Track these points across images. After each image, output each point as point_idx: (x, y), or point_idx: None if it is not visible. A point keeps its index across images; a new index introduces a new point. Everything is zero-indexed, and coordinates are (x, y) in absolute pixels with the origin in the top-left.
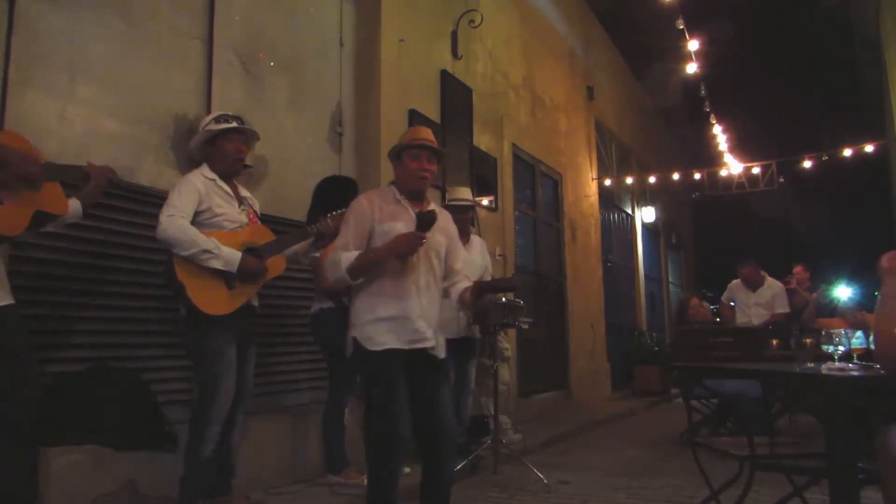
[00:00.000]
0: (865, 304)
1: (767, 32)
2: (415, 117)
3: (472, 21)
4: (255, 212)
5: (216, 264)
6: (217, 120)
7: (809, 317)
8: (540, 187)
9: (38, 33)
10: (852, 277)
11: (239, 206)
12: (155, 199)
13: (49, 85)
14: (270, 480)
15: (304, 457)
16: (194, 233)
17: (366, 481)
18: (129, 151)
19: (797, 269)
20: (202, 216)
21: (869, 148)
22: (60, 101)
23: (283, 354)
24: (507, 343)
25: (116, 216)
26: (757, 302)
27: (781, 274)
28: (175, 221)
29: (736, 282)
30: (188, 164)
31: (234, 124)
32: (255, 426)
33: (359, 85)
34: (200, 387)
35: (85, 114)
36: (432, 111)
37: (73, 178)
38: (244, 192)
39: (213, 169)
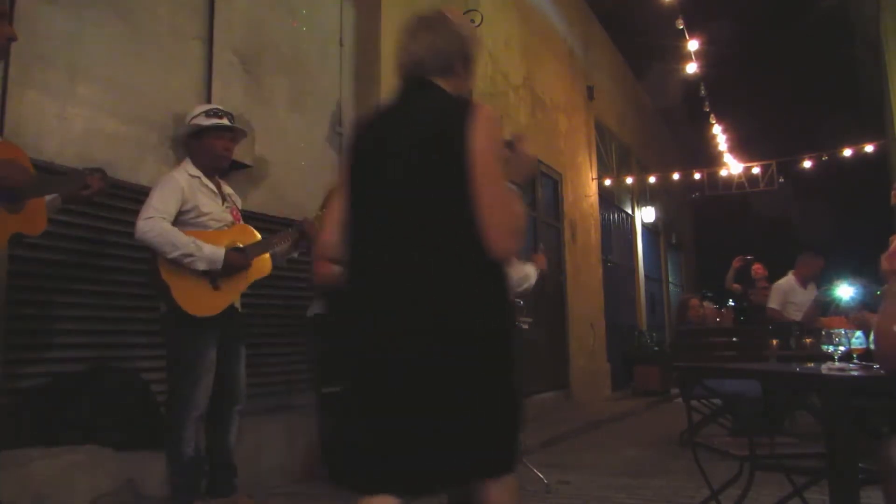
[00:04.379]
0: (868, 303)
1: (767, 32)
2: None
3: (472, 21)
4: (237, 208)
5: (200, 266)
6: (208, 114)
7: (810, 316)
8: (540, 187)
9: (38, 33)
10: (854, 276)
11: (223, 204)
12: None
13: (49, 85)
14: (271, 480)
15: (304, 456)
16: (175, 235)
17: None
18: (129, 151)
19: (756, 266)
20: (188, 215)
21: (869, 148)
22: (60, 101)
23: (282, 354)
24: None
25: (116, 216)
26: (810, 299)
27: (781, 273)
28: (154, 225)
29: (787, 281)
30: None
31: (225, 120)
32: (255, 426)
33: (359, 85)
34: (174, 386)
35: (85, 114)
36: None
37: (67, 188)
38: (227, 189)
39: (196, 163)
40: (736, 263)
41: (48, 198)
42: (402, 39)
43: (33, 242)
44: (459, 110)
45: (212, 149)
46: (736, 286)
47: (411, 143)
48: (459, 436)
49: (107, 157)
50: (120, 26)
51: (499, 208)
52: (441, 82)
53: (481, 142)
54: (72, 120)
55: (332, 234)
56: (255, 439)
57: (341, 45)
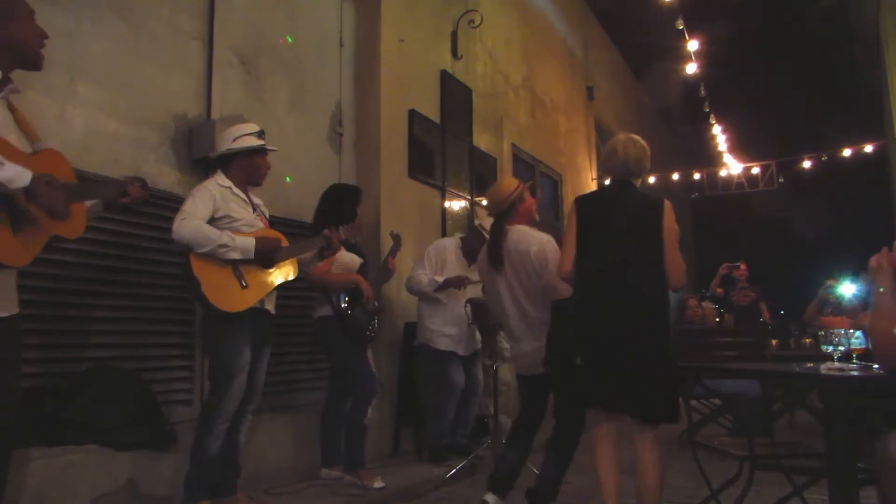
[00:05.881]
0: (870, 301)
1: (767, 32)
2: (415, 117)
3: (472, 21)
4: (265, 217)
5: (234, 255)
6: (259, 135)
7: (812, 315)
8: (539, 188)
9: None
10: (857, 274)
11: (254, 212)
12: (155, 199)
13: (49, 85)
14: (271, 479)
15: (304, 456)
16: (208, 229)
17: (376, 484)
18: (129, 151)
19: (742, 267)
20: (221, 222)
21: (869, 148)
22: (60, 101)
23: (284, 354)
24: (507, 343)
25: (117, 217)
26: None
27: (781, 273)
28: (188, 223)
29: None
30: (189, 163)
31: (265, 142)
32: (255, 425)
33: (359, 85)
34: (212, 383)
35: (85, 114)
36: (432, 111)
37: (107, 195)
38: (255, 199)
39: (232, 176)
40: (723, 270)
41: (88, 204)
42: (615, 149)
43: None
44: (656, 203)
45: (259, 168)
46: (719, 290)
47: (629, 218)
48: (655, 391)
49: (107, 157)
50: (120, 26)
51: (676, 260)
52: (634, 181)
53: (668, 221)
54: (72, 120)
55: (568, 265)
56: (255, 439)
57: (341, 45)
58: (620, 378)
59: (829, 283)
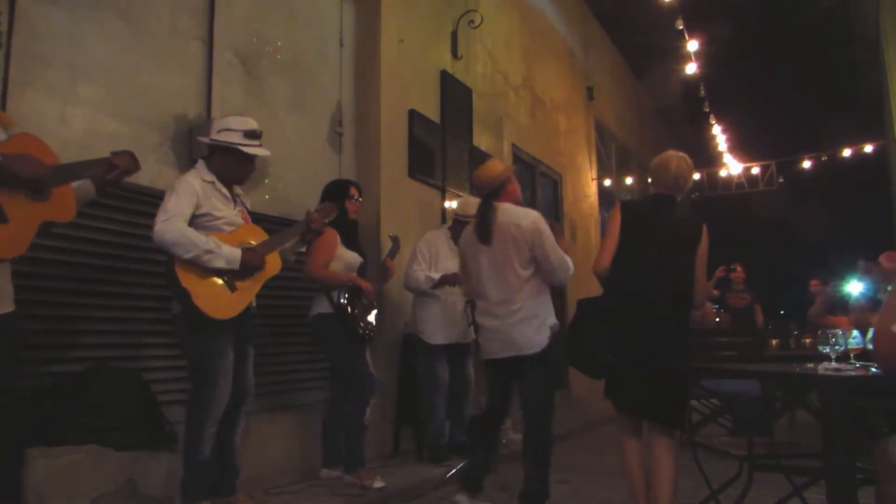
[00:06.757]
0: (878, 300)
1: (767, 32)
2: (415, 117)
3: (472, 21)
4: (247, 210)
5: (219, 263)
6: (247, 135)
7: (818, 314)
8: (539, 188)
9: (38, 33)
10: (861, 274)
11: (234, 208)
12: (155, 199)
13: (49, 85)
14: (271, 479)
15: (304, 456)
16: (193, 234)
17: (376, 484)
18: None
19: (739, 269)
20: (202, 219)
21: (869, 148)
22: (60, 101)
23: (283, 353)
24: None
25: (116, 216)
26: None
27: (781, 274)
28: (172, 226)
29: None
30: (189, 163)
31: (261, 147)
32: (255, 425)
33: (359, 85)
34: (196, 386)
35: (85, 114)
36: (432, 111)
37: (94, 172)
38: (238, 191)
39: (214, 169)
40: (719, 273)
41: (76, 184)
42: (668, 164)
43: (34, 242)
44: (697, 225)
45: (239, 172)
46: (715, 291)
47: (670, 234)
48: (662, 396)
49: None
50: (120, 26)
51: (703, 280)
52: (677, 196)
53: (704, 244)
54: (72, 120)
55: (606, 262)
56: (255, 439)
57: (341, 45)
58: (634, 380)
59: (813, 283)
